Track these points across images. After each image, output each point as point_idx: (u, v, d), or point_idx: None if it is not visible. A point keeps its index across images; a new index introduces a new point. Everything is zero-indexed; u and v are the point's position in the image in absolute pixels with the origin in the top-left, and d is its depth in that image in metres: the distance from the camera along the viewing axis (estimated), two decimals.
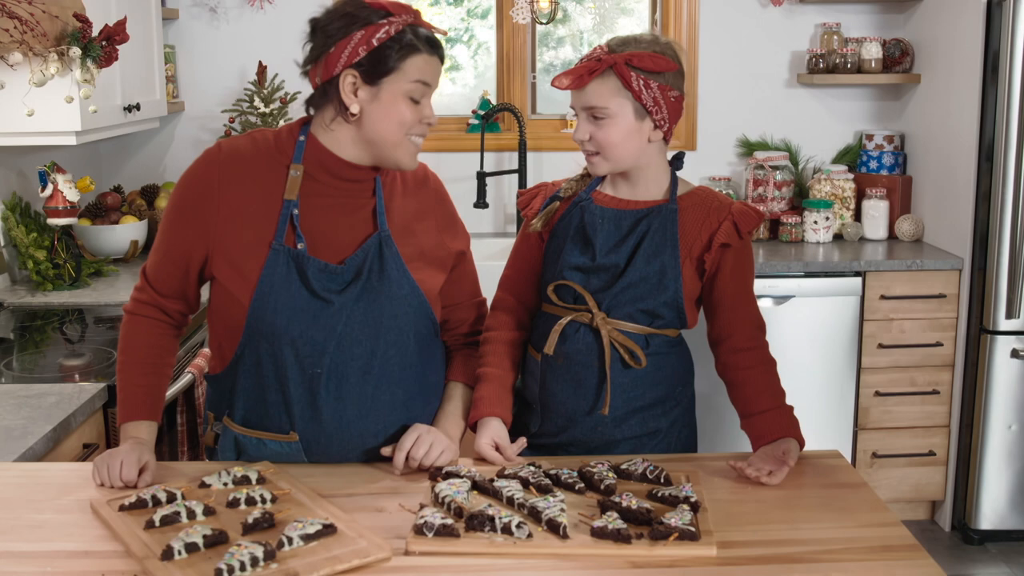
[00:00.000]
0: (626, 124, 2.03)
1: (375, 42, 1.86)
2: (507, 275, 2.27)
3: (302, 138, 1.97)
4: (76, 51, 2.84)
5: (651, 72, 2.00)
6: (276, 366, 1.95)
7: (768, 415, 2.05)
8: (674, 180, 2.14)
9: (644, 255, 2.07)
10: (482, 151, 4.27)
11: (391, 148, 1.93)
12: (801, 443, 2.02)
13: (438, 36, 1.95)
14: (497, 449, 2.01)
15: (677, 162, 2.16)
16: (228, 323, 1.98)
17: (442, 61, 1.95)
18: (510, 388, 2.15)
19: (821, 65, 4.29)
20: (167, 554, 1.56)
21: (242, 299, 1.93)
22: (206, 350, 2.76)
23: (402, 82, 1.88)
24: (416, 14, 1.92)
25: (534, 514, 1.71)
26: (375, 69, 1.88)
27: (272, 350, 1.94)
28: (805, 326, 3.88)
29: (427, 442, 1.94)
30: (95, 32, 2.92)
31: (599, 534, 1.66)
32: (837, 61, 4.27)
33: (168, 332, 2.07)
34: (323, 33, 1.91)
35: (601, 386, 2.09)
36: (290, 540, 1.59)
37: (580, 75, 2.02)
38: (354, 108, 1.89)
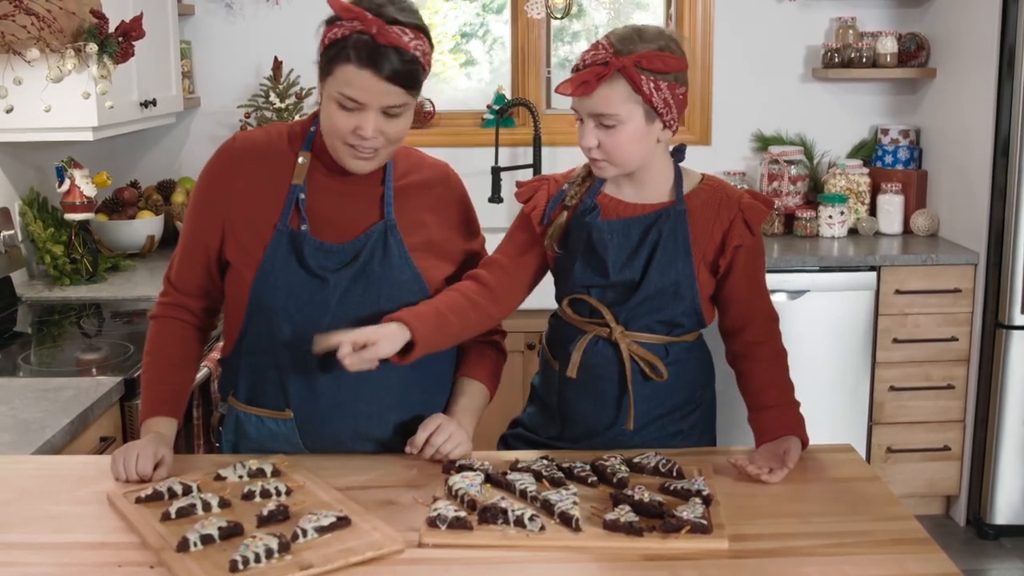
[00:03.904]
0: (636, 129, 1.92)
1: (326, 41, 1.86)
2: (495, 259, 2.10)
3: (313, 128, 2.00)
4: (93, 47, 2.86)
5: (661, 73, 1.89)
6: (274, 343, 1.98)
7: (774, 411, 2.03)
8: (678, 175, 2.05)
9: (658, 266, 2.00)
10: (496, 146, 4.27)
11: (330, 146, 1.94)
12: (805, 442, 2.00)
13: (397, 53, 1.80)
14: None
15: (679, 154, 2.06)
16: (237, 304, 2.01)
17: (390, 79, 1.81)
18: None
19: (836, 59, 4.28)
20: (183, 546, 1.58)
21: (248, 279, 1.97)
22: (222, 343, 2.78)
23: (331, 87, 1.86)
24: (375, 24, 1.79)
25: (547, 507, 1.72)
26: (321, 68, 1.89)
27: (271, 327, 1.97)
28: (820, 321, 3.87)
29: (447, 432, 1.95)
30: (111, 28, 2.94)
31: (611, 527, 1.66)
32: (852, 55, 4.25)
33: (193, 333, 2.10)
34: None
35: (621, 399, 2.06)
36: (304, 532, 1.61)
37: (587, 81, 1.88)
38: (319, 98, 1.94)
